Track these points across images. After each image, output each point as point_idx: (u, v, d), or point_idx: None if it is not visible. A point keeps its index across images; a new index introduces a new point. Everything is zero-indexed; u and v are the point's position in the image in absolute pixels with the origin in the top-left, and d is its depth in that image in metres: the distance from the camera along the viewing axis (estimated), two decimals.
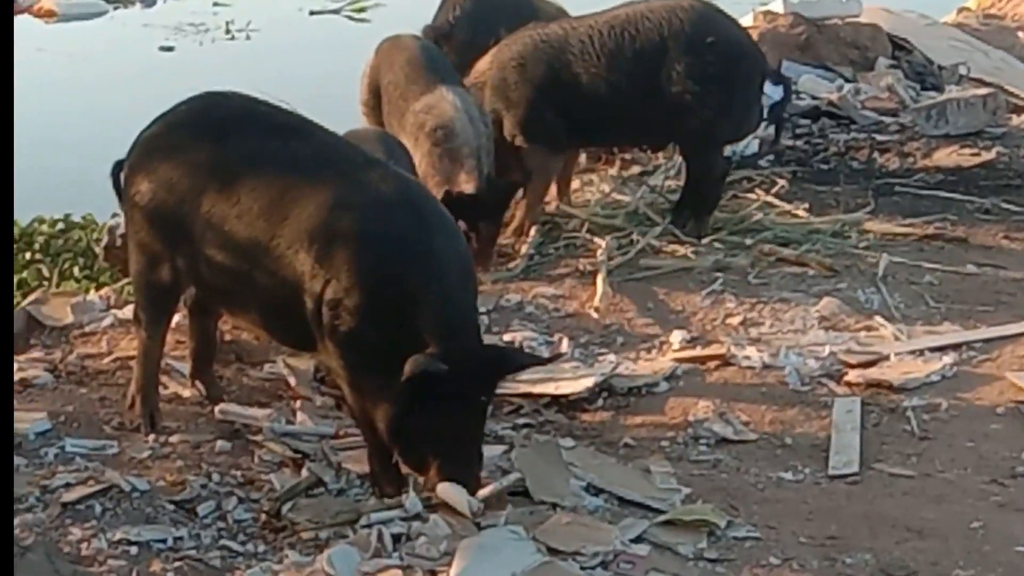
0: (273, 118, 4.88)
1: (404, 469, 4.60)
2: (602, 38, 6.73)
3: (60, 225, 7.96)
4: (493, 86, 6.82)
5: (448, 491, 4.45)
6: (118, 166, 5.06)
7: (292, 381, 5.36)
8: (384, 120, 6.67)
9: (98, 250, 7.09)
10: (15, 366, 5.34)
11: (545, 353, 5.61)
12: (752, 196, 7.41)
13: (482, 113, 6.54)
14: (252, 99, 4.97)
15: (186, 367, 5.32)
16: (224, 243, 4.68)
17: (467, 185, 6.23)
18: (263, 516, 4.53)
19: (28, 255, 7.57)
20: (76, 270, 7.32)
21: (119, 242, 6.59)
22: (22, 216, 8.00)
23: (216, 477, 4.71)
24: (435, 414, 4.39)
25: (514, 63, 6.84)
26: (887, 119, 8.59)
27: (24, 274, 7.29)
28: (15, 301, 6.34)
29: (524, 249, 6.75)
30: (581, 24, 6.86)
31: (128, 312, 5.66)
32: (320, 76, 10.80)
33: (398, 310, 4.41)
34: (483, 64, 6.94)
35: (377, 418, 4.52)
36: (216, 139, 4.80)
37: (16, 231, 7.83)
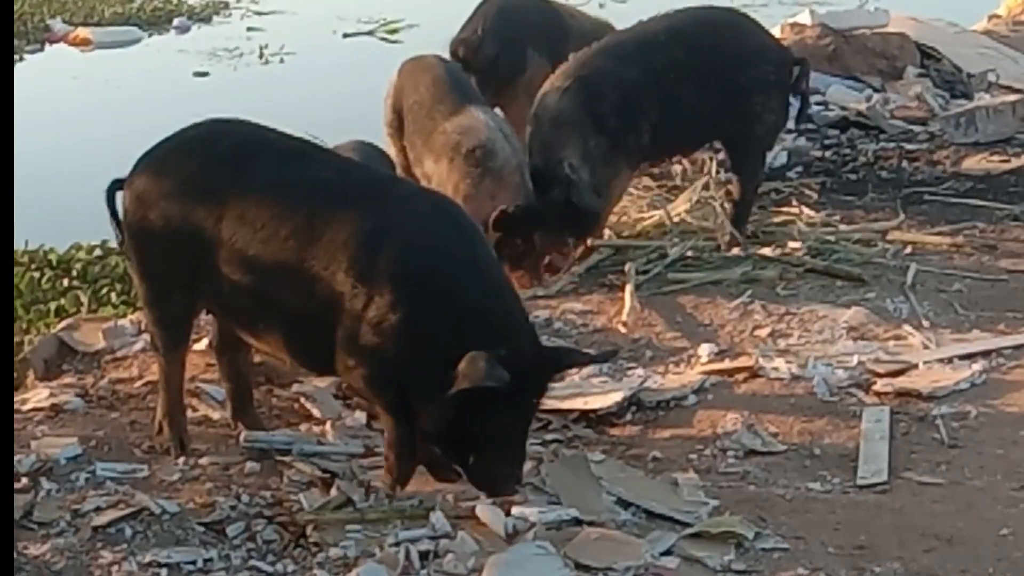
0: (284, 143, 4.85)
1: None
2: (669, 51, 6.54)
3: (97, 251, 8.00)
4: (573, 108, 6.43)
5: (485, 513, 4.47)
6: (114, 187, 4.94)
7: (316, 412, 5.36)
8: (407, 140, 6.69)
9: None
10: (47, 392, 5.42)
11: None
12: (781, 208, 7.41)
13: (511, 131, 6.52)
14: (259, 125, 4.93)
15: (215, 388, 5.34)
16: (249, 269, 4.62)
17: (516, 200, 6.22)
18: (291, 536, 4.52)
19: (66, 281, 7.61)
20: (113, 296, 7.36)
21: None
22: (60, 243, 8.10)
23: (245, 498, 4.70)
24: (488, 414, 4.36)
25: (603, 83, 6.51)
26: (916, 128, 8.59)
27: (62, 300, 7.34)
28: (52, 327, 6.43)
29: (576, 268, 6.69)
30: (644, 33, 6.68)
31: None
32: (354, 98, 10.83)
33: (448, 318, 4.39)
34: (554, 85, 6.50)
35: (425, 422, 4.49)
36: (233, 165, 4.74)
37: (54, 258, 7.93)
